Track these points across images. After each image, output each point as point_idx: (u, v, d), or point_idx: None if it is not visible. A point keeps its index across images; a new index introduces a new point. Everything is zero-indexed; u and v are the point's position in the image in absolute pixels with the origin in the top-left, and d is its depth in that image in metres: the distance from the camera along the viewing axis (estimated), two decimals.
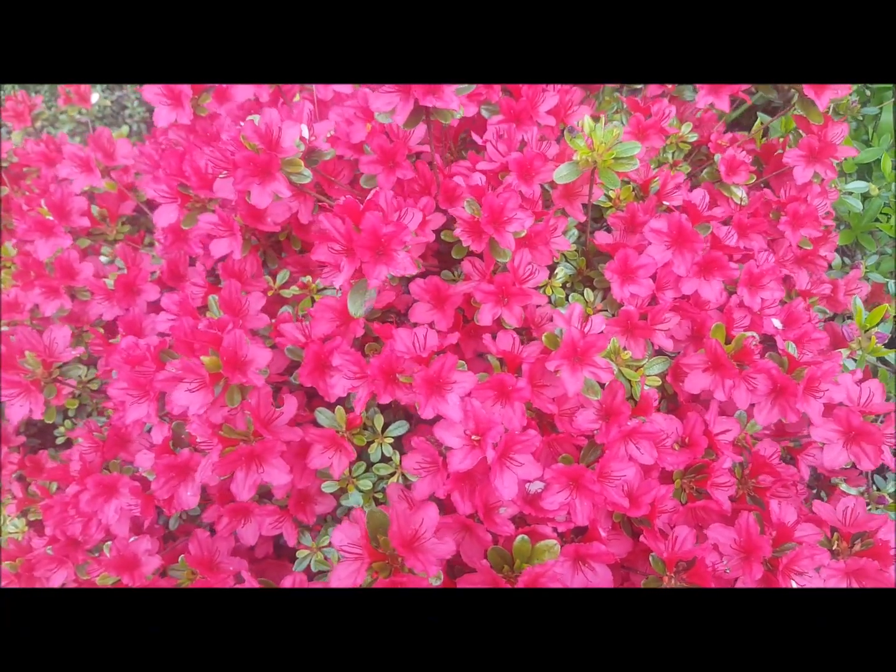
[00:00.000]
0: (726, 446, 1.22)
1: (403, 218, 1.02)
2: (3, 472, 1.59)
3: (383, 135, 1.28)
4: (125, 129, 2.14)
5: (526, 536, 1.08)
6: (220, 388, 1.13)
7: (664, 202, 1.35)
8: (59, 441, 1.68)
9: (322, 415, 1.21)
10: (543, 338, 1.12)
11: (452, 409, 1.08)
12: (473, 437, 1.09)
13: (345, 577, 1.00)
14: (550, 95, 1.32)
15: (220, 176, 1.26)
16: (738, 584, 1.12)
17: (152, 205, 1.84)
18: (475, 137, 1.30)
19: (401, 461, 1.22)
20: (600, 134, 1.11)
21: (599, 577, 1.13)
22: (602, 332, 1.09)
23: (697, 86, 1.48)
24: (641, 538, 1.14)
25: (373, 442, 1.22)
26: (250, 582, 1.17)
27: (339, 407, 1.20)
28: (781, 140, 1.57)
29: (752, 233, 1.40)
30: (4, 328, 1.71)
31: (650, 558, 1.12)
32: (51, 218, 1.54)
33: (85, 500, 1.32)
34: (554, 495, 1.13)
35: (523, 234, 1.11)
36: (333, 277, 1.11)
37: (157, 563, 1.28)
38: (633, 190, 1.36)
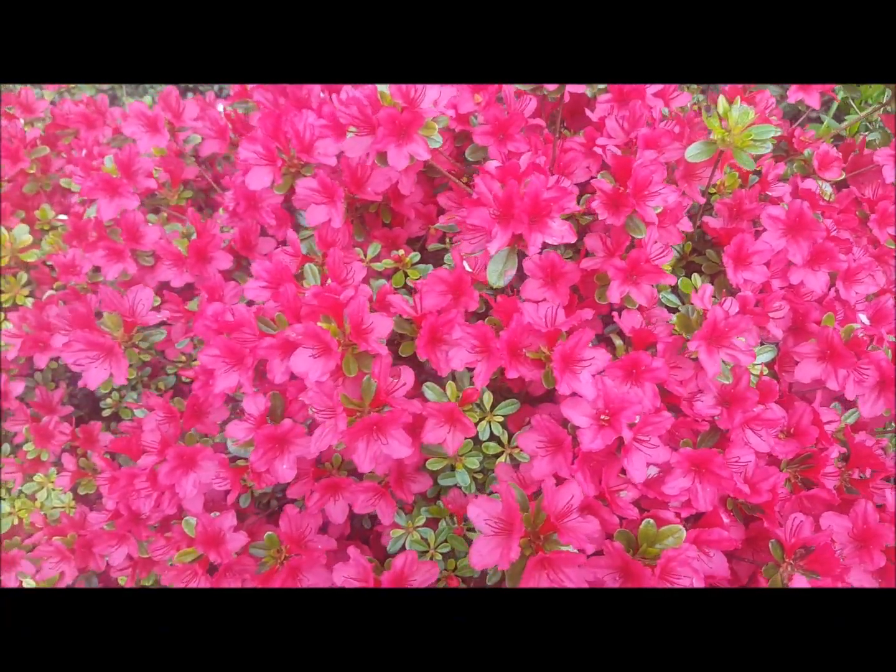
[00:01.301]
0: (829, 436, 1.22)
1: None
2: (53, 442, 1.50)
3: (498, 105, 1.25)
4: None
5: (652, 520, 1.06)
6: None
7: (767, 192, 1.35)
8: (106, 413, 1.60)
9: (431, 390, 1.16)
10: (675, 318, 1.10)
11: (585, 386, 1.06)
12: (602, 416, 1.07)
13: (486, 553, 0.96)
14: None
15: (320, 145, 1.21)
16: (854, 573, 1.12)
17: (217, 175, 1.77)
18: (589, 114, 1.28)
19: (509, 440, 1.19)
20: (736, 115, 1.10)
21: (715, 565, 1.12)
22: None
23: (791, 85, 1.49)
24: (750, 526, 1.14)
25: (482, 419, 1.18)
26: (357, 559, 1.12)
27: (450, 382, 1.16)
28: (859, 139, 1.59)
29: (842, 229, 1.41)
30: (51, 292, 1.62)
31: (770, 545, 1.11)
32: (117, 177, 1.46)
33: (164, 473, 1.24)
34: (676, 479, 1.12)
35: (660, 211, 1.10)
36: (477, 244, 1.07)
37: (242, 539, 1.22)
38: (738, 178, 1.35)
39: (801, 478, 1.22)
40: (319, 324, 1.08)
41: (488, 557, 0.96)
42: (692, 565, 1.06)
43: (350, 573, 1.14)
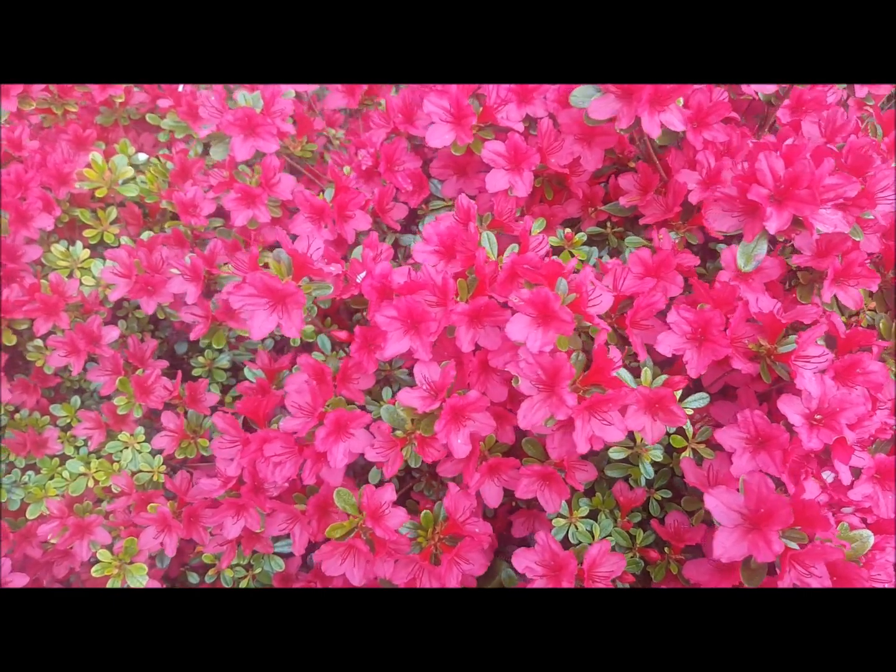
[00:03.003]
0: None
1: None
2: (152, 397, 1.34)
3: (704, 92, 1.22)
4: None
5: (846, 523, 1.05)
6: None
7: None
8: (197, 372, 1.46)
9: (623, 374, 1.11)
10: (881, 324, 1.10)
11: (809, 383, 1.04)
12: (817, 416, 1.05)
13: (730, 545, 0.92)
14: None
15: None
16: None
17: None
18: (780, 117, 1.28)
19: (693, 434, 1.16)
20: None
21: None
22: None
23: None
24: None
25: None
26: (545, 544, 1.05)
27: (645, 368, 1.12)
28: None
29: None
30: (148, 232, 1.47)
31: None
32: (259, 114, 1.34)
33: (321, 439, 1.13)
34: (862, 485, 1.11)
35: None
36: (733, 223, 1.02)
37: (402, 515, 1.13)
38: None
39: None
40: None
41: (733, 549, 0.92)
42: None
43: (534, 559, 1.07)
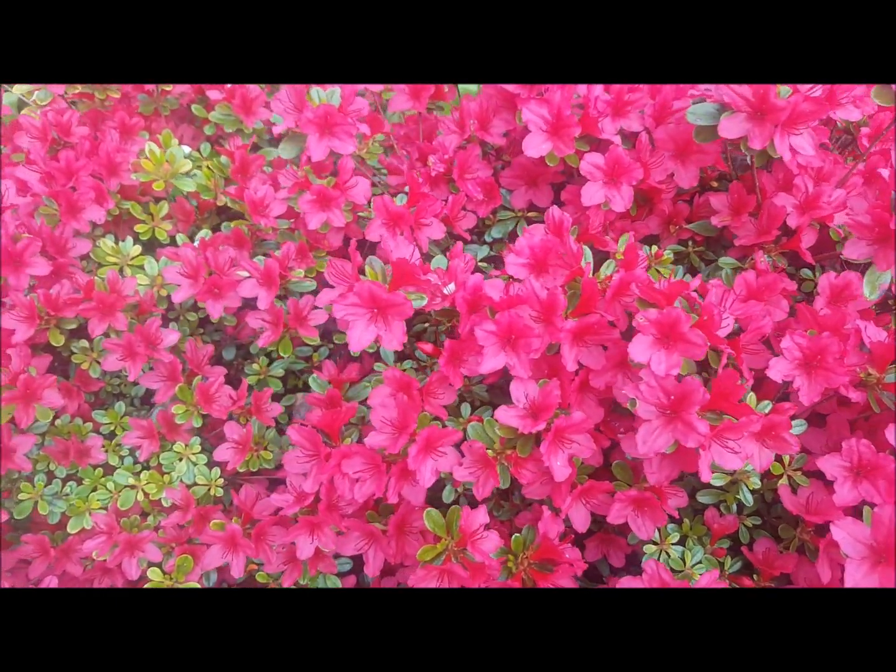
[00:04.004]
0: None
1: None
2: (215, 406, 1.26)
3: None
4: None
5: None
6: None
7: None
8: (251, 380, 1.38)
9: None
10: None
11: None
12: None
13: (859, 577, 0.91)
14: None
15: None
16: None
17: None
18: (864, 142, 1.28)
19: (790, 461, 1.14)
20: None
21: None
22: None
23: None
24: None
25: None
26: (653, 572, 1.02)
27: (753, 395, 1.10)
28: None
29: None
30: (205, 230, 1.39)
31: None
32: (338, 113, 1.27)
33: (413, 456, 1.08)
34: None
35: None
36: (871, 252, 1.01)
37: (496, 539, 1.08)
38: None
39: None
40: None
41: (864, 582, 0.90)
42: None
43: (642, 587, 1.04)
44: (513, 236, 1.48)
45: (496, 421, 1.09)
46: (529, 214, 1.46)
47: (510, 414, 1.09)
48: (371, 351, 1.38)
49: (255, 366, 1.39)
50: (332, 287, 1.11)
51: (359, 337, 1.05)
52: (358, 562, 1.25)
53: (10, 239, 1.23)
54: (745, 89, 0.99)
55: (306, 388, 1.54)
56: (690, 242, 1.34)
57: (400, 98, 1.51)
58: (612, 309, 1.09)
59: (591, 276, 1.14)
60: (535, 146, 1.20)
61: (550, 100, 1.18)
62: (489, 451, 1.11)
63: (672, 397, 0.97)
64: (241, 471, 1.27)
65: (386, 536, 1.16)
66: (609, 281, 1.10)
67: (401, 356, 1.35)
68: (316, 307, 1.30)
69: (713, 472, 1.11)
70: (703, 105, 1.07)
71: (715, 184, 1.34)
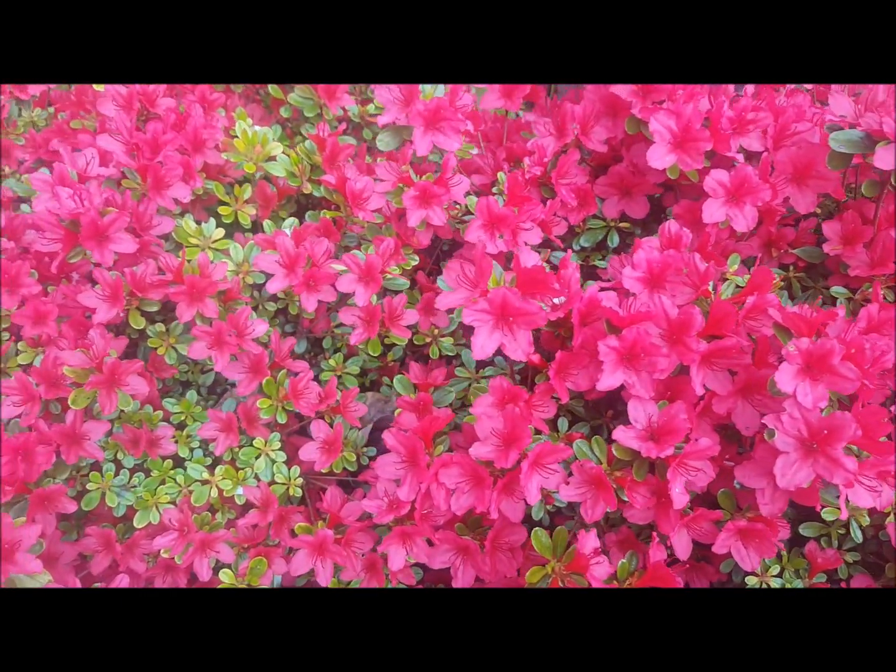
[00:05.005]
0: None
1: None
2: (302, 402, 1.20)
3: None
4: None
5: None
6: None
7: None
8: (324, 376, 1.32)
9: None
10: None
11: None
12: None
13: None
14: None
15: None
16: None
17: None
18: None
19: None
20: None
21: None
22: None
23: None
24: None
25: None
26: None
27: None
28: None
29: None
30: (292, 220, 1.32)
31: None
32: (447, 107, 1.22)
33: (525, 470, 1.03)
34: None
35: None
36: None
37: (607, 565, 1.04)
38: None
39: None
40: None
41: None
42: None
43: None
44: (601, 246, 1.45)
45: (614, 441, 1.05)
46: (621, 225, 1.43)
47: (629, 435, 1.05)
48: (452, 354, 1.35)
49: (331, 361, 1.33)
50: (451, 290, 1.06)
51: (482, 344, 1.00)
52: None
53: (97, 212, 1.15)
54: None
55: (373, 386, 1.49)
56: (792, 268, 1.31)
57: (491, 96, 1.46)
58: (740, 332, 1.06)
59: (717, 296, 1.11)
60: (660, 157, 1.17)
61: (680, 112, 1.14)
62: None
63: (823, 431, 0.94)
64: (323, 472, 1.21)
65: (480, 552, 1.11)
66: (737, 302, 1.07)
67: (481, 363, 1.30)
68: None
69: (824, 507, 1.10)
70: (848, 132, 1.04)
71: (818, 210, 1.32)
